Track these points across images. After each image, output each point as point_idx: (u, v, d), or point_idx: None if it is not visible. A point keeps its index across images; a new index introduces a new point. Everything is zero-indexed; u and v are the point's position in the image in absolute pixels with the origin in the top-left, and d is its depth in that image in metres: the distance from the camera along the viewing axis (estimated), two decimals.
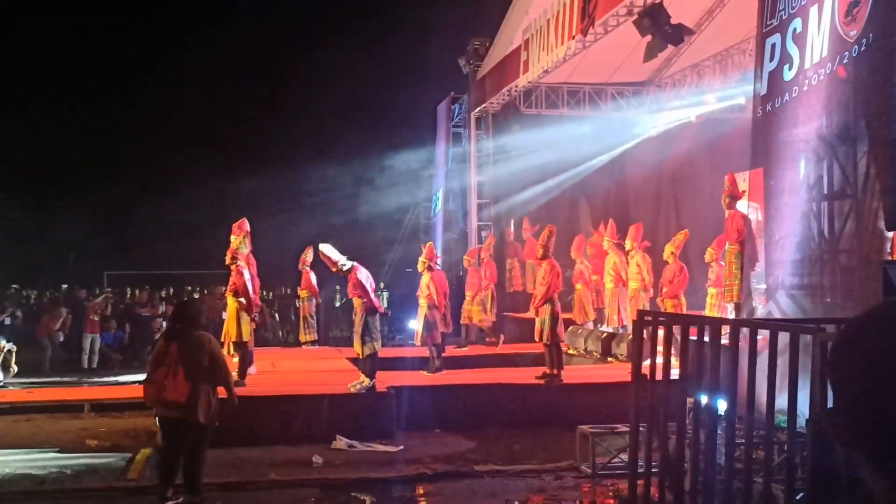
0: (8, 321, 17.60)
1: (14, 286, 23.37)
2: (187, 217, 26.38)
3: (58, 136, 30.47)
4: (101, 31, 32.04)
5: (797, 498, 5.40)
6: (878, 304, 1.42)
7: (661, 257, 13.92)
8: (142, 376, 8.70)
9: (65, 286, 22.14)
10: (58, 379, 16.33)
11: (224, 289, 13.37)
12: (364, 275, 11.08)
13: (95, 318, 18.30)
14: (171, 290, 24.32)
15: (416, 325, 13.46)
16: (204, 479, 7.96)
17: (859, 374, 1.32)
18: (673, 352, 6.23)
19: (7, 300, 19.61)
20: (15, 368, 16.20)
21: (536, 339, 11.94)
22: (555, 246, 12.21)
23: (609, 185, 19.60)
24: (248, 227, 11.95)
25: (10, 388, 14.39)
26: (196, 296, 23.66)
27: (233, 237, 11.58)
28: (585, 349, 15.14)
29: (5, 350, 15.92)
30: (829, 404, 1.40)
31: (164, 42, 31.99)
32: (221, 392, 7.58)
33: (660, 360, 6.71)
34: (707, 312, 12.85)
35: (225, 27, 28.71)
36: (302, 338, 16.80)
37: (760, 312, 8.78)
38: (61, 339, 18.28)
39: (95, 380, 16.32)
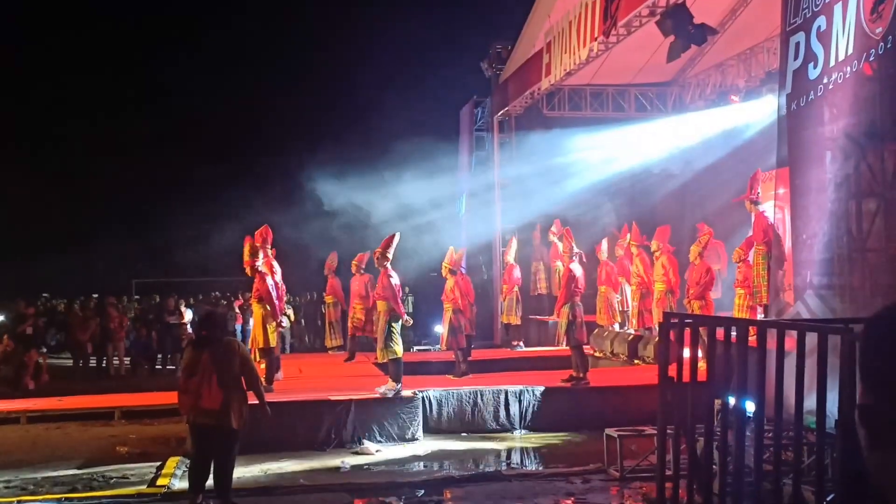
0: (30, 330, 17.79)
1: (45, 295, 23.62)
2: (213, 225, 26.56)
3: (86, 147, 30.83)
4: (130, 45, 32.40)
5: (828, 500, 5.35)
6: None
7: (688, 258, 13.83)
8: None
9: (95, 295, 22.38)
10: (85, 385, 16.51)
11: (249, 295, 13.46)
12: (395, 279, 11.17)
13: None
14: (200, 297, 24.50)
15: (441, 329, 13.47)
16: (233, 485, 8.04)
17: (886, 367, 1.32)
18: (700, 353, 6.19)
19: (33, 308, 19.82)
20: (45, 377, 16.43)
21: (557, 342, 11.91)
22: (579, 248, 12.18)
23: (635, 185, 19.49)
24: (270, 234, 12.02)
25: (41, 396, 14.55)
26: (224, 302, 23.83)
27: (247, 247, 11.60)
28: (612, 351, 15.09)
29: (36, 360, 16.13)
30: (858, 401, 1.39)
31: (190, 56, 32.25)
32: (251, 397, 7.64)
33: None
34: (735, 313, 12.75)
35: (247, 37, 28.95)
36: (328, 343, 16.87)
37: (789, 312, 8.71)
38: (90, 349, 18.53)
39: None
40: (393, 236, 11.42)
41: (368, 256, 14.20)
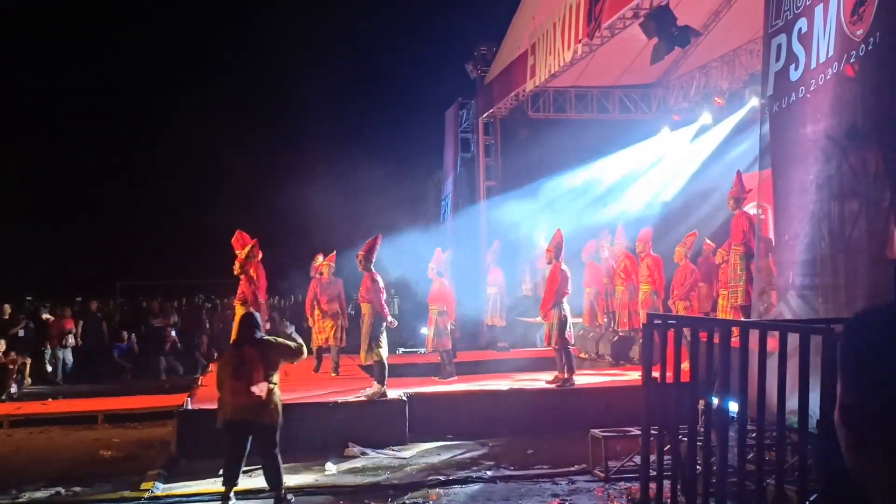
0: (21, 333, 17.68)
1: (28, 298, 23.46)
2: (199, 227, 26.48)
3: (70, 147, 30.66)
4: (111, 41, 32.25)
5: (811, 499, 5.38)
6: (881, 303, 1.42)
7: (672, 259, 13.88)
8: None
9: (78, 298, 22.26)
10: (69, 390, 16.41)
11: (233, 298, 13.39)
12: (379, 282, 11.19)
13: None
14: (184, 301, 24.40)
15: (426, 331, 13.47)
16: (215, 487, 8.04)
17: (867, 366, 1.33)
18: (683, 354, 6.22)
19: (21, 312, 19.69)
20: (28, 381, 16.32)
21: (545, 343, 11.94)
22: (565, 249, 12.20)
23: (620, 186, 19.54)
24: (243, 237, 11.97)
25: (25, 400, 14.46)
26: (209, 305, 23.75)
27: (238, 248, 11.62)
28: (597, 353, 15.13)
29: (19, 363, 16.02)
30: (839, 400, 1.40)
31: (170, 55, 32.13)
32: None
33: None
34: (718, 314, 12.81)
35: (229, 41, 28.89)
36: (314, 345, 16.81)
37: (772, 313, 8.75)
38: (71, 346, 18.39)
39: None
40: (376, 238, 11.42)
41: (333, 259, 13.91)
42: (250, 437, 7.66)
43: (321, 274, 13.78)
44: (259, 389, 7.53)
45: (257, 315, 8.28)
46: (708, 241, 14.61)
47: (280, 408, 7.74)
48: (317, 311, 13.71)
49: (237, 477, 7.74)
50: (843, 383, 1.41)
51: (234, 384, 7.59)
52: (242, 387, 7.54)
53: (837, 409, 1.39)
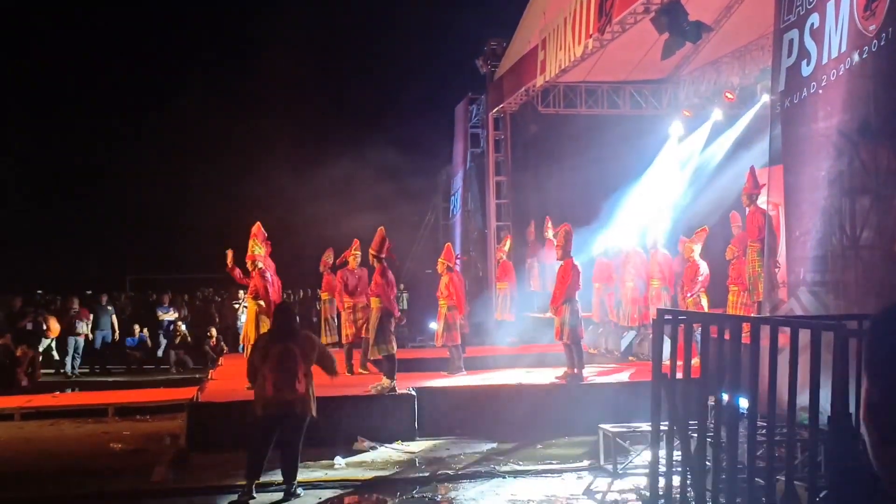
0: (30, 326, 17.76)
1: (39, 292, 23.57)
2: (207, 221, 26.57)
3: (80, 141, 30.75)
4: (123, 40, 32.31)
5: (821, 496, 5.37)
6: None
7: (684, 255, 13.84)
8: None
9: (89, 292, 22.36)
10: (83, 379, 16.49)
11: (244, 292, 13.41)
12: (390, 276, 11.22)
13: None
14: (198, 294, 24.47)
15: (436, 326, 13.47)
16: (226, 481, 8.08)
17: (893, 365, 1.32)
18: (694, 350, 6.20)
19: (30, 305, 19.78)
20: (40, 373, 16.39)
21: (556, 338, 11.92)
22: (574, 245, 12.17)
23: (630, 182, 19.49)
24: (263, 230, 11.99)
25: (35, 393, 14.53)
26: (218, 299, 23.78)
27: (251, 241, 11.66)
28: (607, 348, 15.11)
29: (30, 356, 16.10)
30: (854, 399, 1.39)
31: (183, 50, 32.17)
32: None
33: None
34: (728, 310, 12.76)
35: (237, 32, 28.90)
36: (323, 340, 16.84)
37: (782, 309, 8.72)
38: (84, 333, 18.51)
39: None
40: (382, 231, 11.44)
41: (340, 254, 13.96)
42: (287, 429, 7.75)
43: (347, 263, 13.72)
44: (302, 384, 7.65)
45: (294, 307, 8.34)
46: (684, 238, 14.42)
47: (315, 401, 7.88)
48: (347, 302, 13.49)
49: (261, 470, 7.79)
50: (870, 381, 1.40)
51: (278, 378, 7.63)
52: (287, 381, 7.61)
53: (864, 407, 1.38)
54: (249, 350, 9.47)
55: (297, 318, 8.27)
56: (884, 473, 1.35)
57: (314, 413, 7.87)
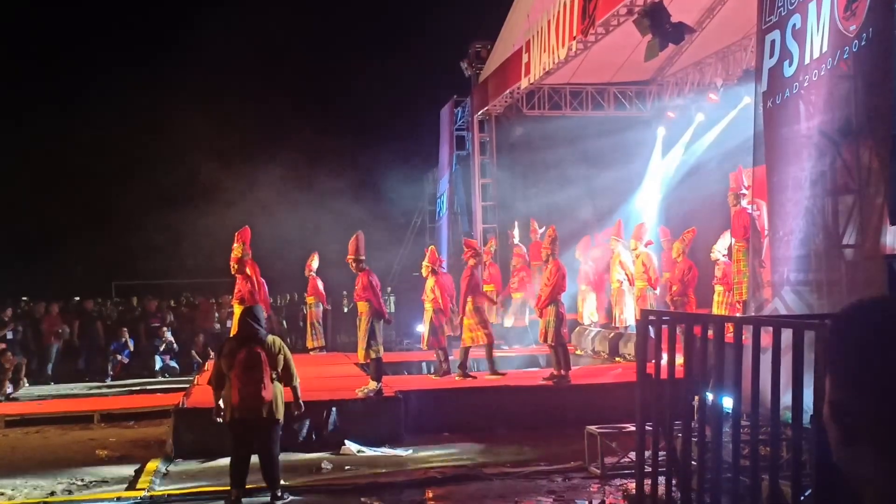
0: (10, 335, 17.62)
1: (24, 298, 23.41)
2: (193, 226, 26.46)
3: (62, 145, 30.53)
4: (97, 40, 32.17)
5: (805, 494, 5.39)
6: (871, 297, 1.42)
7: (670, 255, 13.90)
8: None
9: (77, 298, 22.23)
10: (65, 390, 16.38)
11: (230, 297, 13.37)
12: (375, 279, 11.23)
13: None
14: (183, 300, 24.35)
15: (422, 328, 13.47)
16: (212, 487, 8.03)
17: (856, 361, 1.33)
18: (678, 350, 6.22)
19: (10, 313, 19.63)
20: (25, 382, 16.28)
21: (541, 340, 11.94)
22: (559, 247, 12.20)
23: (616, 184, 19.55)
24: (249, 234, 11.98)
25: (20, 399, 14.44)
26: (212, 301, 23.66)
27: (235, 245, 11.64)
28: (593, 349, 15.15)
29: (15, 363, 15.98)
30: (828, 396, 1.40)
31: (164, 51, 32.04)
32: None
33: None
34: (714, 310, 12.82)
35: (223, 32, 28.76)
36: (309, 344, 16.83)
37: (766, 308, 8.76)
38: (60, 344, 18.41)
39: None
40: (357, 237, 11.41)
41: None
42: (259, 434, 7.67)
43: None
44: (268, 389, 7.54)
45: (259, 309, 8.17)
46: (664, 228, 14.51)
47: (283, 405, 7.78)
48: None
49: (245, 477, 7.70)
50: (832, 379, 1.41)
51: (243, 383, 7.52)
52: (252, 386, 7.50)
53: (826, 405, 1.39)
54: (215, 354, 9.40)
55: (265, 322, 8.01)
56: (845, 470, 1.36)
57: (281, 419, 7.74)
